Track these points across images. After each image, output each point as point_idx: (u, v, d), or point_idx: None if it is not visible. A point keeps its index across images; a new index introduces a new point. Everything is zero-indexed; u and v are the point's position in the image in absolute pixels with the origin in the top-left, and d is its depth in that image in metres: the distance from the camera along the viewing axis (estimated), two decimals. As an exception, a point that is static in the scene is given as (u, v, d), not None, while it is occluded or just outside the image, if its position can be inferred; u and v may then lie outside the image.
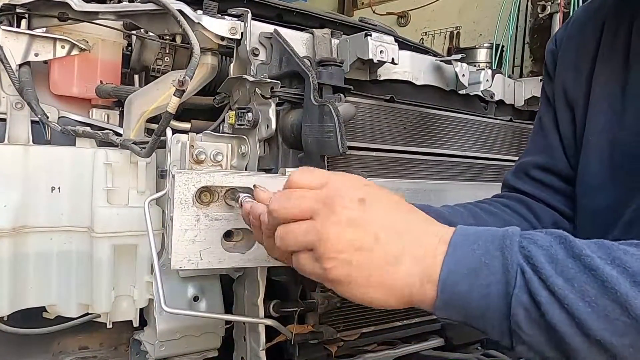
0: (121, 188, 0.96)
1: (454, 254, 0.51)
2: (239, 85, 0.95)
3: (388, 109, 1.05)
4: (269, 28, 0.99)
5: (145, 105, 0.99)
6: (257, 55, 0.98)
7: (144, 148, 0.90)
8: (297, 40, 1.02)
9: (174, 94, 0.83)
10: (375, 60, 0.98)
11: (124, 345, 1.12)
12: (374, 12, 6.31)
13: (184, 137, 0.89)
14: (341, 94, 0.89)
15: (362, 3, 6.89)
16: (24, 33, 0.96)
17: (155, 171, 0.99)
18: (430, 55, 1.27)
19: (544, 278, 0.47)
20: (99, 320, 1.00)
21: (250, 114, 0.91)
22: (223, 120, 1.01)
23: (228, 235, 0.73)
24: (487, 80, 1.23)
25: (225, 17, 0.98)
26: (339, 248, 0.52)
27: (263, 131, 0.91)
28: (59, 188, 0.94)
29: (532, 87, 1.37)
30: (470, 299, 0.50)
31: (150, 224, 0.80)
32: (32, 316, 0.98)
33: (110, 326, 0.99)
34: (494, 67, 4.45)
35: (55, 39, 0.98)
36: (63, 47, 0.99)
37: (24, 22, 0.99)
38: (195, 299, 1.00)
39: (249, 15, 0.96)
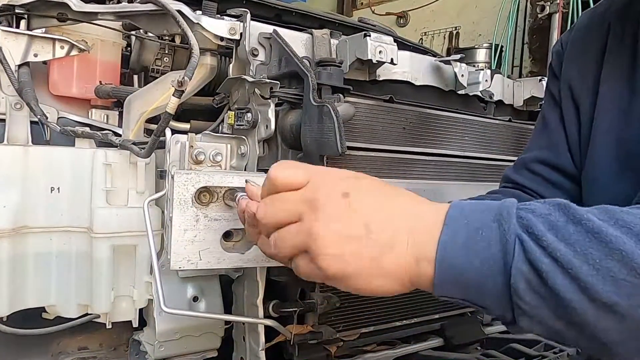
0: (120, 188, 0.96)
1: (449, 228, 0.50)
2: (238, 85, 0.95)
3: (387, 109, 1.05)
4: (268, 28, 0.99)
5: (145, 105, 0.99)
6: (256, 55, 0.98)
7: (143, 148, 0.90)
8: (296, 40, 1.02)
9: (173, 95, 0.83)
10: (374, 61, 0.98)
11: (124, 345, 1.11)
12: (373, 12, 6.32)
13: (183, 138, 0.89)
14: (340, 95, 0.89)
15: (362, 3, 6.91)
16: (23, 33, 0.97)
17: (154, 171, 0.99)
18: (429, 55, 1.28)
19: (545, 245, 0.45)
20: (98, 320, 1.00)
21: (249, 115, 0.91)
22: (222, 121, 1.01)
23: (227, 235, 0.73)
24: (486, 80, 1.23)
25: (225, 17, 0.98)
26: (330, 244, 0.51)
27: (262, 131, 0.91)
28: (58, 188, 0.94)
29: (531, 88, 1.37)
30: (467, 272, 0.48)
31: (150, 224, 0.80)
32: (31, 317, 0.98)
33: (110, 326, 0.99)
34: (493, 67, 4.46)
35: (54, 40, 0.98)
36: (62, 47, 0.99)
37: (23, 23, 0.99)
38: (195, 299, 1.00)
39: (248, 15, 0.96)
